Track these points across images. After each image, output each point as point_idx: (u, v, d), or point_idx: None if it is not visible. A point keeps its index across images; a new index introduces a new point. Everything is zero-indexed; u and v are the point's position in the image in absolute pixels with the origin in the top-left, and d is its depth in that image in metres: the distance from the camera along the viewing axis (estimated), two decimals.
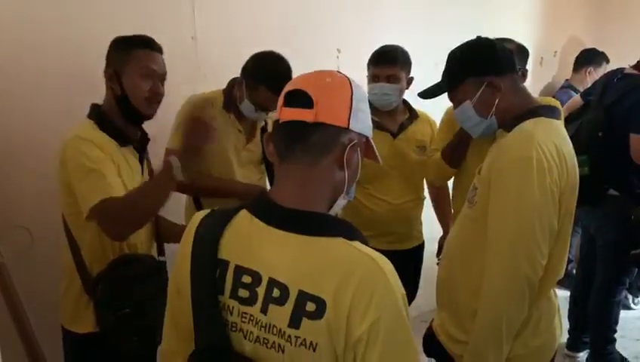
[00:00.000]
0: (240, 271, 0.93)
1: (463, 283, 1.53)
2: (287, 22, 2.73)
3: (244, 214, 0.99)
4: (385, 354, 0.84)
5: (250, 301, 0.92)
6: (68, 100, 2.06)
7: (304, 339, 0.86)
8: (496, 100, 1.49)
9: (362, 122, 0.98)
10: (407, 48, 2.38)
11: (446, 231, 2.62)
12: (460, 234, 1.59)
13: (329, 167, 0.95)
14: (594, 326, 3.03)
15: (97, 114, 1.68)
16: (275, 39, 2.58)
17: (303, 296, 0.87)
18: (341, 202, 1.01)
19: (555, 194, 1.36)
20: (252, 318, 0.91)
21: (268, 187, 2.18)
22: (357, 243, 0.91)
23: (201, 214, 1.03)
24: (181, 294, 0.99)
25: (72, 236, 1.65)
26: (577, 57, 4.06)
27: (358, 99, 0.97)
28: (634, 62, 2.76)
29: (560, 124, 1.50)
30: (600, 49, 4.03)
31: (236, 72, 2.09)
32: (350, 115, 0.95)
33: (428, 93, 1.65)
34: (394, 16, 3.14)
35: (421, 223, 2.59)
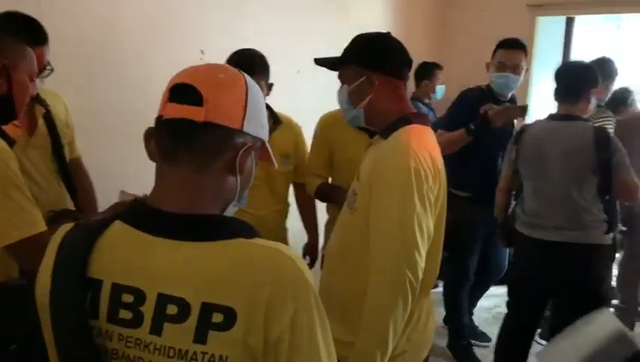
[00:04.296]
0: (118, 289, 0.82)
1: (346, 286, 1.55)
2: (147, 23, 2.61)
3: (118, 226, 0.86)
4: (308, 347, 0.80)
5: (134, 323, 0.80)
6: None
7: (212, 355, 0.78)
8: (368, 96, 1.52)
9: (258, 124, 0.91)
10: (270, 52, 2.41)
11: (312, 238, 2.68)
12: (341, 239, 1.61)
13: (219, 171, 0.87)
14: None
15: None
16: (133, 41, 2.49)
17: (208, 308, 0.78)
18: (232, 209, 0.94)
19: (431, 199, 1.43)
20: (139, 342, 0.80)
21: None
22: (258, 240, 0.85)
23: (64, 228, 0.89)
24: (46, 324, 0.85)
25: None
26: (416, 71, 4.22)
27: (254, 98, 0.90)
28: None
29: (430, 130, 1.56)
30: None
31: (91, 75, 1.95)
32: (244, 115, 0.88)
33: (320, 61, 1.67)
34: (259, 19, 3.14)
35: (286, 231, 2.59)
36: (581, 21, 4.35)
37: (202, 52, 2.82)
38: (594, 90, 2.48)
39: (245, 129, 0.88)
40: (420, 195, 1.40)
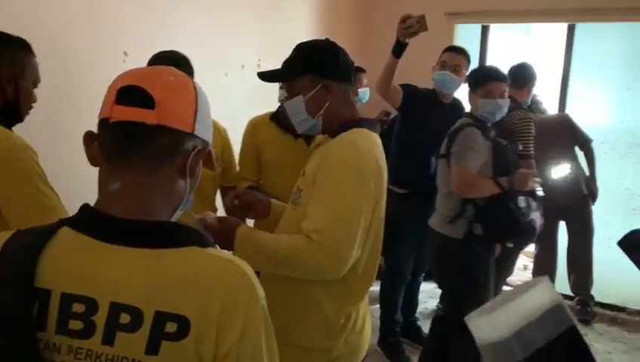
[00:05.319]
0: (68, 299, 0.78)
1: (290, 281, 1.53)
2: (68, 23, 2.50)
3: (66, 232, 0.83)
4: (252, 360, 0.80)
5: (85, 333, 0.77)
6: None
7: None
8: (326, 104, 1.53)
9: (206, 127, 0.91)
10: (197, 55, 2.39)
11: None
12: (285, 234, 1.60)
13: (170, 175, 0.86)
14: None
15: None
16: (53, 41, 2.38)
17: (162, 317, 0.76)
18: (179, 213, 0.93)
19: (371, 201, 1.46)
20: (90, 353, 0.77)
21: None
22: (212, 250, 0.85)
23: (4, 236, 0.84)
24: None
25: None
26: None
27: (203, 101, 0.90)
28: None
29: (377, 137, 1.60)
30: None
31: None
32: (195, 118, 0.87)
33: (265, 75, 1.63)
34: (186, 21, 3.08)
35: None
36: (494, 27, 4.60)
37: (125, 54, 2.74)
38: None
39: (196, 132, 0.87)
40: (362, 193, 1.43)
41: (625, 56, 4.21)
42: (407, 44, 2.79)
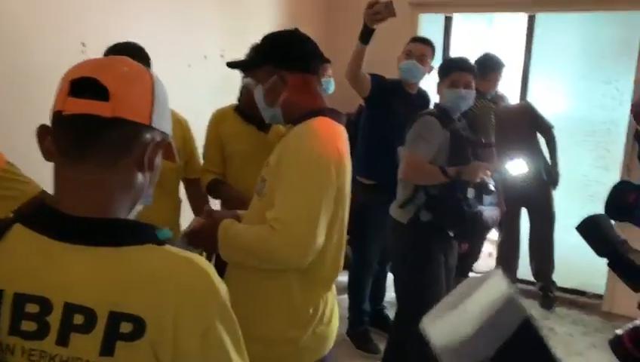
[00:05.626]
0: (21, 299, 0.77)
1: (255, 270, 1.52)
2: (24, 13, 2.42)
3: (19, 230, 0.81)
4: (220, 360, 0.79)
5: (39, 334, 0.76)
6: None
7: None
8: (282, 94, 1.54)
9: (164, 118, 0.89)
10: (158, 46, 2.34)
11: None
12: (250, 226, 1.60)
13: (128, 169, 0.84)
14: None
15: None
16: (10, 32, 2.30)
17: (116, 317, 0.75)
18: (138, 208, 0.91)
19: (332, 189, 1.45)
20: (44, 354, 0.76)
21: None
22: (169, 248, 0.83)
23: None
24: None
25: None
26: None
27: (159, 91, 0.87)
28: None
29: (341, 127, 1.59)
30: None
31: None
32: (152, 110, 0.84)
33: (232, 65, 1.66)
34: (146, 11, 3.00)
35: (179, 228, 2.53)
36: (458, 18, 4.64)
37: (83, 45, 2.66)
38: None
39: (153, 124, 0.85)
40: (318, 180, 1.43)
41: (582, 47, 4.32)
42: (374, 29, 2.78)
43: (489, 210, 2.59)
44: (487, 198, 2.58)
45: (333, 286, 1.66)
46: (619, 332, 1.12)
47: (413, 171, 2.54)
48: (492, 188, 2.53)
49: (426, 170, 2.52)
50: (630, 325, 1.10)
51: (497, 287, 0.77)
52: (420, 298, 2.48)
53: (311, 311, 1.55)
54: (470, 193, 2.50)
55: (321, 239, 1.44)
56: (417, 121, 2.59)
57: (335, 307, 1.68)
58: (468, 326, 0.73)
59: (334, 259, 1.57)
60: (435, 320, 0.79)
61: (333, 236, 1.53)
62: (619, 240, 1.18)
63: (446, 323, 0.77)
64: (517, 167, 3.83)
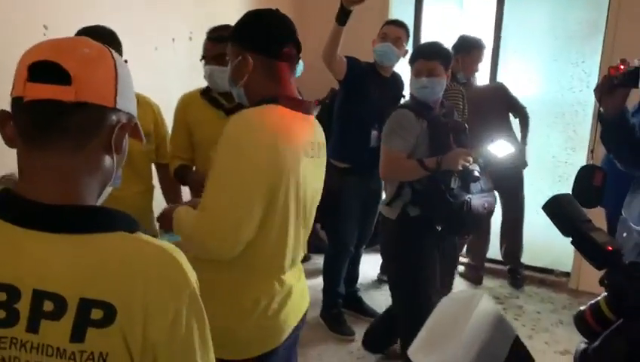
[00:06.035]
0: None
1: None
2: None
3: None
4: (184, 352, 0.80)
5: (8, 322, 0.75)
6: None
7: (91, 353, 0.74)
8: (245, 75, 1.50)
9: (128, 99, 0.87)
10: (124, 29, 2.28)
11: None
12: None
13: (95, 152, 0.83)
14: None
15: None
16: None
17: (86, 304, 0.75)
18: (108, 190, 0.90)
19: (262, 180, 1.38)
20: (15, 341, 0.75)
21: None
22: (140, 235, 0.82)
23: None
24: None
25: None
26: None
27: (123, 72, 0.86)
28: None
29: (303, 115, 1.53)
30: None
31: None
32: (116, 91, 0.83)
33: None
34: None
35: (152, 213, 2.49)
36: (428, 1, 4.64)
37: (45, 27, 2.58)
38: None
39: (118, 106, 0.84)
40: (243, 169, 1.38)
41: (551, 29, 4.36)
42: (351, 11, 2.76)
43: (478, 198, 2.48)
44: (476, 186, 2.47)
45: (287, 283, 1.56)
46: (582, 308, 1.15)
47: (391, 169, 2.52)
48: (477, 174, 2.42)
49: (405, 166, 2.47)
50: (593, 301, 1.13)
51: (486, 310, 0.78)
52: (413, 293, 2.52)
53: (249, 303, 1.50)
54: (454, 183, 2.38)
55: (248, 228, 1.39)
56: (390, 116, 2.56)
57: (287, 301, 1.57)
58: (467, 358, 0.73)
59: (277, 249, 1.50)
60: (429, 354, 0.78)
61: (274, 225, 1.45)
62: (583, 219, 1.20)
63: (442, 358, 0.76)
64: (501, 148, 3.83)
